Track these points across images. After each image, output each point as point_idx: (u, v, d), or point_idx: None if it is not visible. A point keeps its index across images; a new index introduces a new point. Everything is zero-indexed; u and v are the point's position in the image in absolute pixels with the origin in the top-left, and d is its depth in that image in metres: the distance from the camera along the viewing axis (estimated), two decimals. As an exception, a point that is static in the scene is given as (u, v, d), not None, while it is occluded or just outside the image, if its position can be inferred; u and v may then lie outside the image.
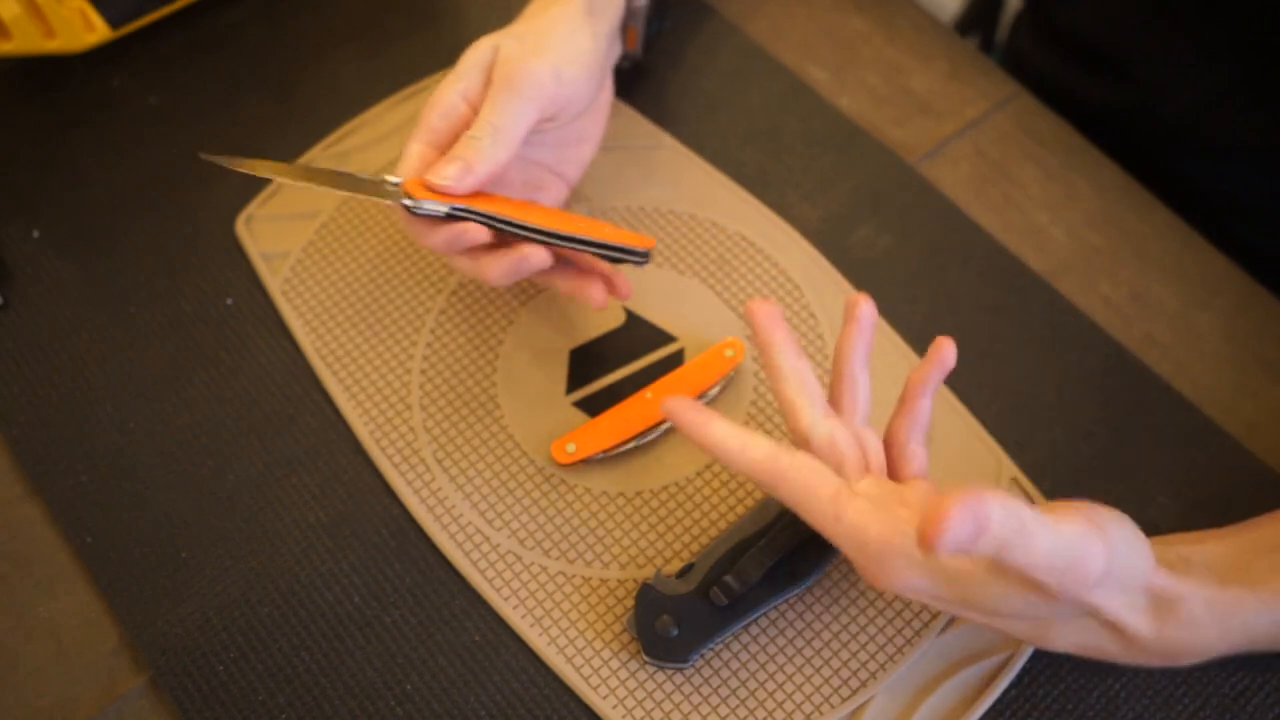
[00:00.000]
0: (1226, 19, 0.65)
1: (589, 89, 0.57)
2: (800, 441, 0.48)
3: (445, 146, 0.55)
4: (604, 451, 0.56)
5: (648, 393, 0.57)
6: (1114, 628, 0.43)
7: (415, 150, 0.54)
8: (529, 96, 0.54)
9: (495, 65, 0.55)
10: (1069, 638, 0.44)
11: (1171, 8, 0.67)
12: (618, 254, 0.55)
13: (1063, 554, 0.39)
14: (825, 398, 0.48)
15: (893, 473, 0.49)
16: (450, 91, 0.55)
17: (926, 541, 0.36)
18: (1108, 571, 0.40)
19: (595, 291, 0.56)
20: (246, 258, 0.64)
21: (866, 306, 0.49)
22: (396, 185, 0.53)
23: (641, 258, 0.55)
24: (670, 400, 0.45)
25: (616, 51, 0.63)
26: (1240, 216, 0.69)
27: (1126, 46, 0.71)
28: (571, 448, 0.56)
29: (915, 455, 0.49)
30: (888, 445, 0.50)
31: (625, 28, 0.63)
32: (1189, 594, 0.43)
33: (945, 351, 0.49)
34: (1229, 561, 0.46)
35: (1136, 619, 0.43)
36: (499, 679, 0.52)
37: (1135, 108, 0.71)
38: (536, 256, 0.53)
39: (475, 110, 0.55)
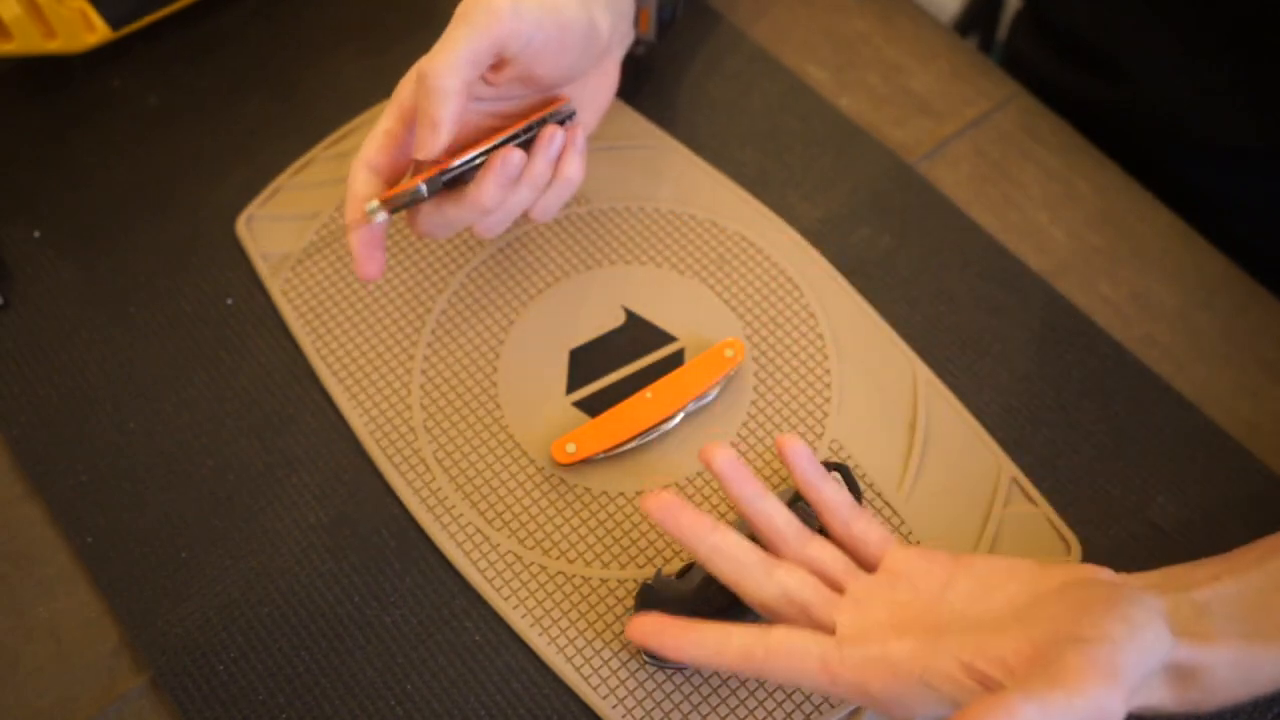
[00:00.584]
0: (1219, 15, 0.65)
1: (554, 34, 0.53)
2: (788, 573, 0.47)
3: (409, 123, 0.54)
4: (604, 451, 0.56)
5: (648, 393, 0.57)
6: (1147, 708, 0.43)
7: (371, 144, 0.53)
8: (480, 25, 0.50)
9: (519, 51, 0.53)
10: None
11: (1164, 6, 0.67)
12: (550, 123, 0.55)
13: None
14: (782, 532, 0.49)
15: (861, 563, 0.49)
16: (462, 77, 0.52)
17: None
18: (1128, 703, 0.40)
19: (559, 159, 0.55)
20: (247, 258, 0.64)
21: (719, 458, 0.49)
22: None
23: (569, 116, 0.56)
24: (638, 624, 0.46)
25: (628, 37, 0.62)
26: (1239, 216, 0.69)
27: (1121, 44, 0.71)
28: (571, 448, 0.56)
29: (865, 533, 0.49)
30: (837, 543, 0.49)
31: (638, 11, 0.63)
32: (1213, 661, 0.42)
33: (788, 449, 0.50)
34: (1249, 607, 0.44)
35: (1158, 696, 0.42)
36: (499, 679, 0.52)
37: (1132, 106, 0.71)
38: (515, 155, 0.52)
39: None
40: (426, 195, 0.52)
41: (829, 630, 0.45)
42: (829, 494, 0.50)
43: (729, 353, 0.58)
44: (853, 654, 0.43)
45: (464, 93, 0.51)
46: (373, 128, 0.54)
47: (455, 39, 0.51)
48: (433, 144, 0.51)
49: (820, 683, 0.43)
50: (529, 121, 0.55)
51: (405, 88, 0.54)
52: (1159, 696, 0.42)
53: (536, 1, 0.52)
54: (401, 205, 0.52)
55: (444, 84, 0.50)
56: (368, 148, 0.54)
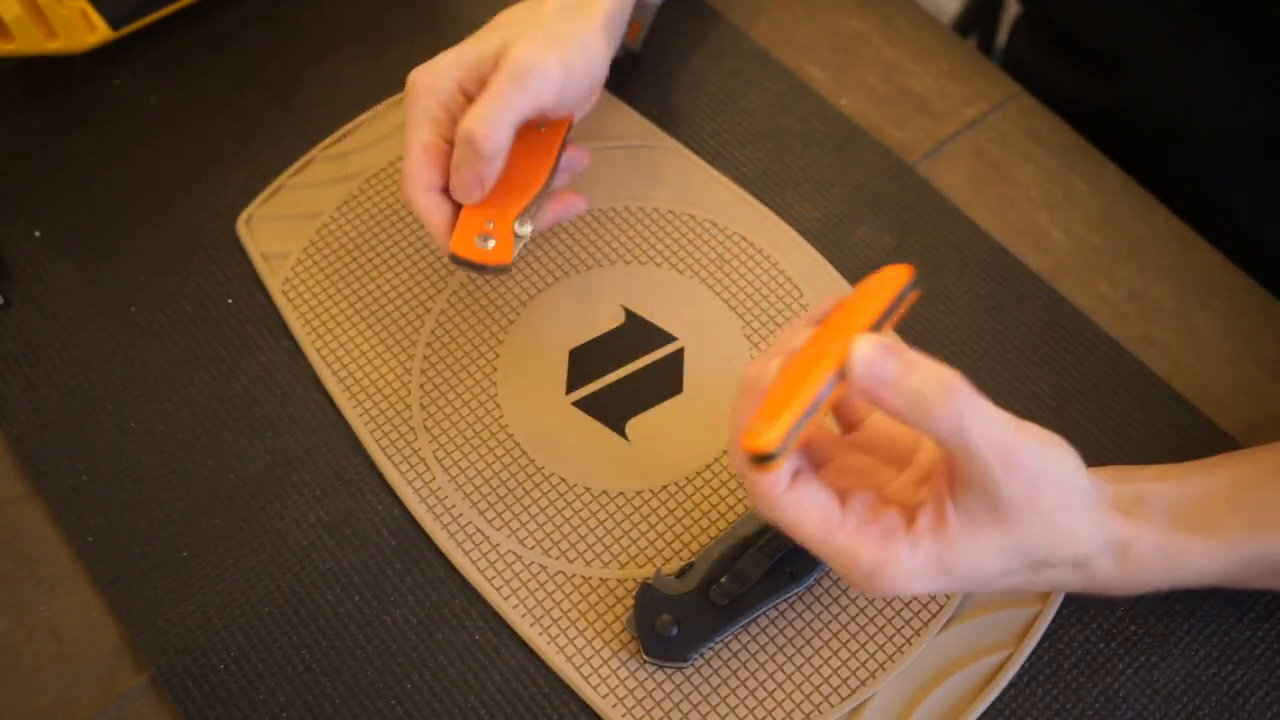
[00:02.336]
0: (1221, 12, 0.65)
1: (590, 86, 0.57)
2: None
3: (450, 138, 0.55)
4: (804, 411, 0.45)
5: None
6: (1081, 567, 0.45)
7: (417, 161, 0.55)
8: (532, 91, 0.54)
9: (503, 54, 0.54)
10: (1047, 584, 0.46)
11: (1166, 1, 0.67)
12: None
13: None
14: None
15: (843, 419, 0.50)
16: (447, 79, 0.55)
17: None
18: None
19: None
20: (247, 258, 0.64)
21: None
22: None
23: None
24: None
25: (616, 43, 0.63)
26: (1238, 215, 0.69)
27: (1122, 43, 0.71)
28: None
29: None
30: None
31: (630, 20, 0.63)
32: (1141, 541, 0.45)
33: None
34: (1186, 506, 0.47)
35: (1102, 569, 0.45)
36: (499, 678, 0.52)
37: (1133, 106, 0.71)
38: (580, 202, 0.60)
39: (470, 98, 0.55)
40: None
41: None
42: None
43: (540, 127, 0.59)
44: (853, 521, 0.44)
45: (507, 147, 0.54)
46: (407, 150, 0.55)
47: (507, 101, 0.53)
48: (477, 196, 0.55)
49: (815, 538, 0.43)
50: (558, 152, 0.59)
51: (429, 101, 0.55)
52: (1103, 569, 0.45)
53: (583, 64, 0.56)
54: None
55: (492, 147, 0.53)
56: (419, 172, 0.55)
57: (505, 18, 0.58)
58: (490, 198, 0.56)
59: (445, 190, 0.56)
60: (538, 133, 0.60)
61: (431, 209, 0.55)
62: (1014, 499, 0.42)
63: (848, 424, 0.50)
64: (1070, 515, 0.44)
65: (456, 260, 0.56)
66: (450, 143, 0.55)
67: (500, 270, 0.56)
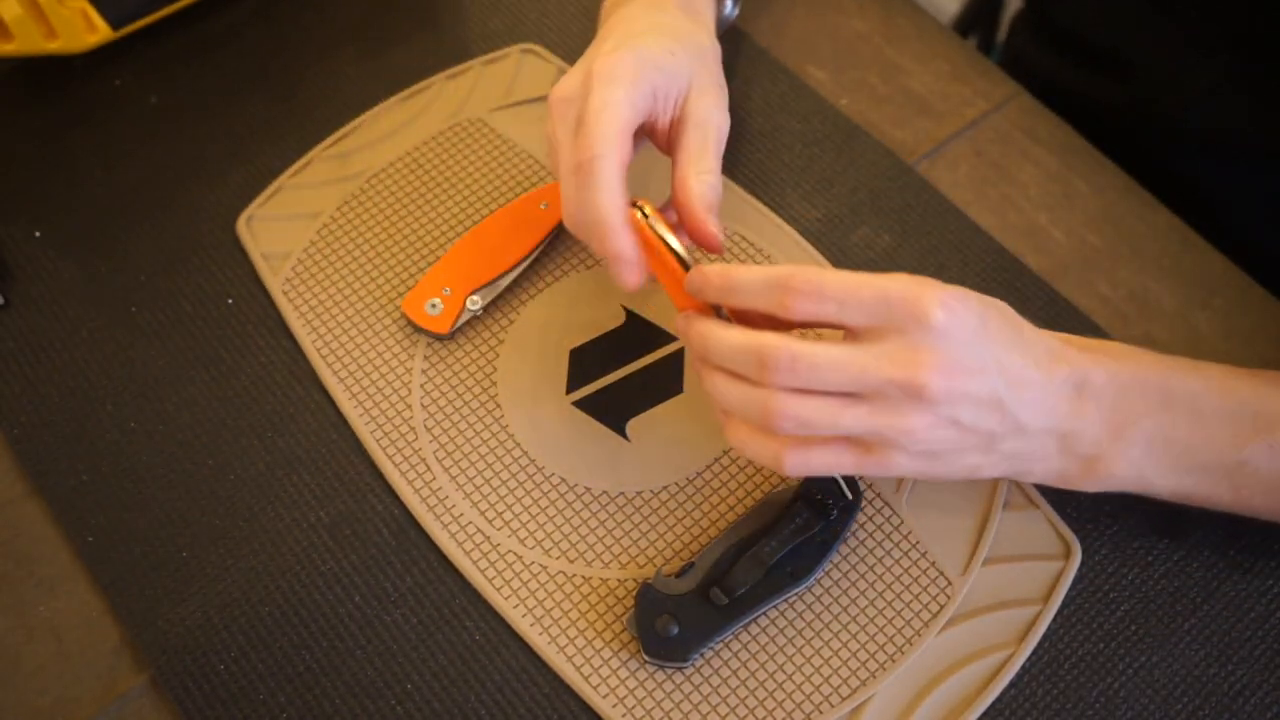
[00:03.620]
0: (1222, 12, 0.65)
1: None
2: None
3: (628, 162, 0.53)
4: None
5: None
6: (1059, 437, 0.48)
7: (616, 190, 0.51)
8: (723, 141, 0.55)
9: (696, 100, 0.54)
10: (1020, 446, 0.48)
11: (1168, 2, 0.67)
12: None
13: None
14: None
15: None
16: (627, 107, 0.51)
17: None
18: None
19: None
20: (247, 258, 0.64)
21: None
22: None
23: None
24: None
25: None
26: (1238, 215, 0.69)
27: (1124, 42, 0.71)
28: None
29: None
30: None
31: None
32: (1089, 369, 0.49)
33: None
34: (1112, 394, 0.50)
35: (1064, 395, 0.48)
36: (499, 678, 0.52)
37: (1134, 105, 0.71)
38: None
39: (651, 115, 0.54)
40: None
41: None
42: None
43: (543, 205, 0.62)
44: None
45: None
46: (603, 161, 0.50)
47: (713, 155, 0.54)
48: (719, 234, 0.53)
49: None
50: (545, 238, 0.62)
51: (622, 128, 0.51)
52: (1084, 413, 0.48)
53: (724, 89, 0.56)
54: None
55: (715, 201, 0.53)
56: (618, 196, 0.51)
57: (644, 24, 0.55)
58: (463, 264, 0.60)
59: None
60: (538, 211, 0.61)
61: (624, 239, 0.50)
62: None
63: None
64: (1026, 327, 0.49)
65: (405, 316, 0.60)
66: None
67: (436, 338, 0.60)
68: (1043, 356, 0.48)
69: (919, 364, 0.44)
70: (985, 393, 0.46)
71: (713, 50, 0.57)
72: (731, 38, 0.71)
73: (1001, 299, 0.61)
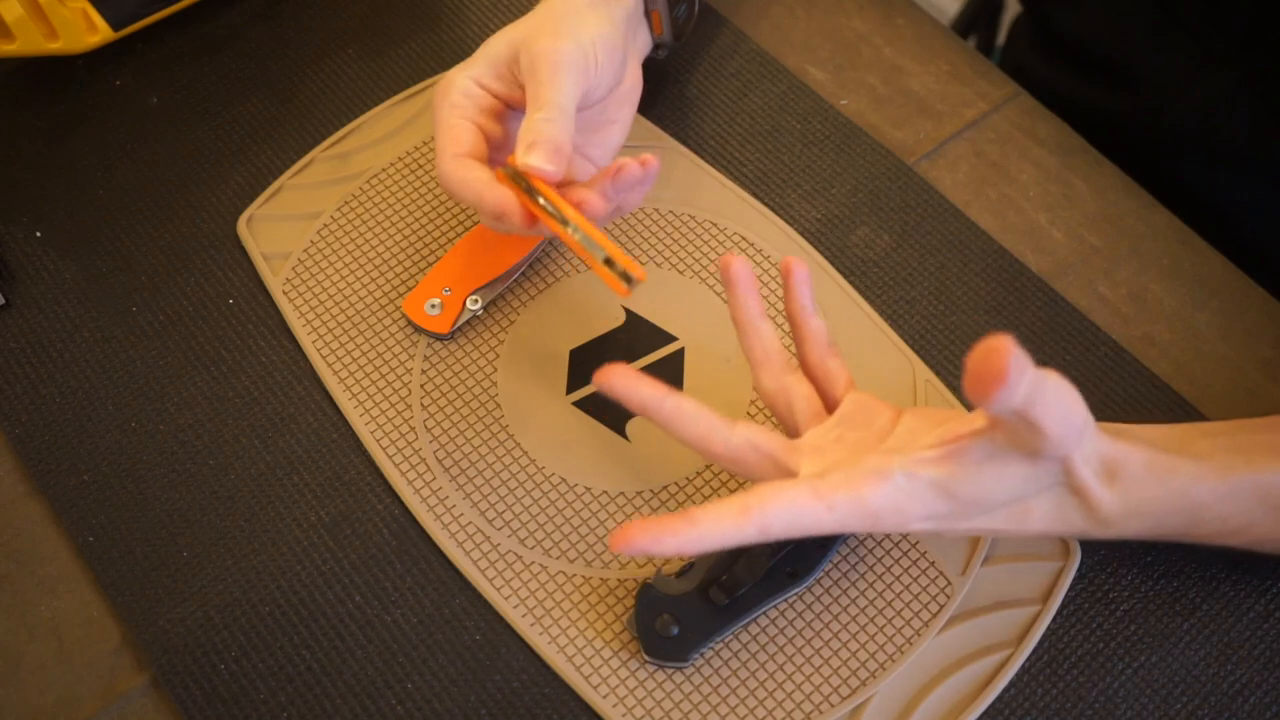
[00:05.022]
0: (1229, 24, 0.65)
1: (613, 69, 0.57)
2: (762, 393, 0.51)
3: (473, 120, 0.55)
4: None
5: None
6: (1080, 492, 0.46)
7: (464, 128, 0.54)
8: (570, 72, 0.53)
9: (521, 53, 0.54)
10: (1044, 517, 0.46)
11: (1174, 13, 0.67)
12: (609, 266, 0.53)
13: (1063, 399, 0.41)
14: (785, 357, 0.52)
15: (825, 399, 0.51)
16: (461, 76, 0.55)
17: (983, 394, 0.38)
18: (1087, 419, 0.43)
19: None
20: (248, 258, 0.64)
21: (736, 265, 0.51)
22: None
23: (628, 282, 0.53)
24: (619, 535, 0.43)
25: (645, 40, 0.63)
26: (1238, 217, 0.69)
27: (1128, 52, 0.71)
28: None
29: (837, 371, 0.51)
30: (810, 377, 0.52)
31: (648, 13, 0.62)
32: (1129, 453, 0.46)
33: (794, 269, 0.52)
34: (1167, 439, 0.49)
35: (1095, 479, 0.46)
36: (499, 678, 0.52)
37: (1138, 114, 0.71)
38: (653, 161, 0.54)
39: (495, 95, 0.56)
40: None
41: (793, 475, 0.47)
42: (815, 324, 0.52)
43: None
44: (835, 476, 0.45)
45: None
46: (440, 144, 0.54)
47: (557, 87, 0.53)
48: (557, 165, 0.52)
49: (818, 512, 0.44)
50: (538, 242, 0.62)
51: (449, 99, 0.55)
52: (1097, 483, 0.46)
53: (591, 38, 0.55)
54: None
55: (569, 130, 0.53)
56: (448, 145, 0.54)
57: (508, 29, 0.58)
58: (463, 264, 0.61)
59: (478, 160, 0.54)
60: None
61: (469, 178, 0.53)
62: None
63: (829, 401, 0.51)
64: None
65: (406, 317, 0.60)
66: (479, 125, 0.55)
67: (437, 338, 0.60)
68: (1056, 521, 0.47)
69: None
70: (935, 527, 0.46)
71: (562, 4, 0.57)
72: (731, 38, 0.71)
73: (1001, 299, 0.62)
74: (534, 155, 0.51)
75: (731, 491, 0.56)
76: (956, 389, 0.59)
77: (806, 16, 0.73)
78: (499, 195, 0.52)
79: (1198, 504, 0.48)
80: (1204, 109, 0.69)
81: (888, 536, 0.55)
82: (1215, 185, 0.70)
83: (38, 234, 0.65)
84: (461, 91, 0.55)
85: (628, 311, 0.61)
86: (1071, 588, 0.54)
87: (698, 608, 0.52)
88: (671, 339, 0.61)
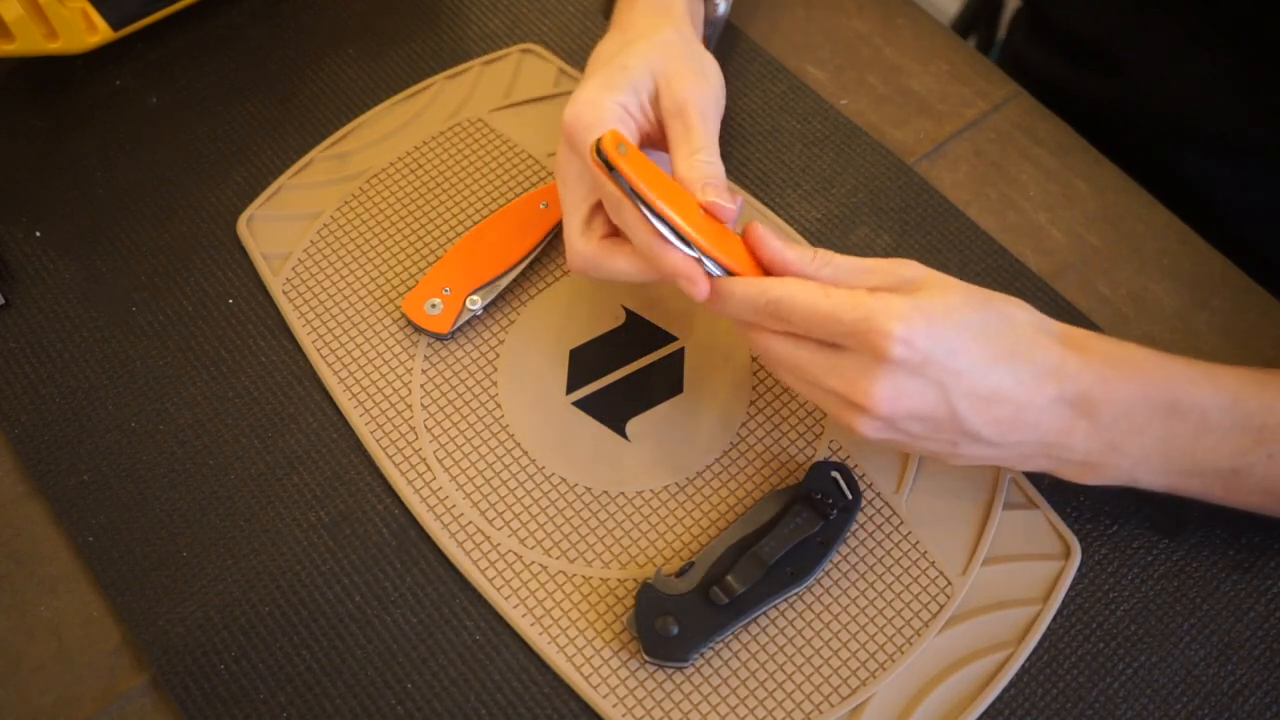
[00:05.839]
0: (1219, 8, 0.65)
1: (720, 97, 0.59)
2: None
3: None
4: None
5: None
6: (1054, 377, 0.48)
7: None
8: (713, 114, 0.56)
9: (663, 92, 0.55)
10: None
11: None
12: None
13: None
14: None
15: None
16: (610, 103, 0.55)
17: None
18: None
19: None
20: (248, 258, 0.64)
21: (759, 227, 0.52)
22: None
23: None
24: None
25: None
26: (1237, 215, 0.69)
27: (1121, 40, 0.71)
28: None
29: (796, 256, 0.51)
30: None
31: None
32: (1097, 386, 0.49)
33: (751, 228, 0.52)
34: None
35: (1075, 432, 0.49)
36: (499, 678, 0.52)
37: (1131, 103, 0.71)
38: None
39: (647, 121, 0.56)
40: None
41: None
42: (770, 238, 0.52)
43: (543, 205, 0.62)
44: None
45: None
46: (570, 217, 0.55)
47: (710, 131, 0.55)
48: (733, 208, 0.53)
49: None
50: (544, 236, 0.63)
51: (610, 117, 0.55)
52: (1075, 430, 0.49)
53: (717, 78, 0.58)
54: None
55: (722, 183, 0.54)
56: (593, 232, 0.56)
57: (614, 46, 0.58)
58: (463, 264, 0.61)
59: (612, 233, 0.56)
60: (538, 211, 0.61)
61: (629, 265, 0.54)
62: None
63: None
64: (1024, 339, 0.48)
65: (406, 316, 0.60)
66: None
67: (437, 338, 0.60)
68: (1032, 375, 0.48)
69: (861, 390, 0.47)
70: (932, 412, 0.48)
71: (678, 37, 0.58)
72: (731, 38, 0.71)
73: (1001, 299, 0.61)
74: (716, 195, 0.52)
75: (732, 492, 0.56)
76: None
77: (806, 16, 0.72)
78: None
79: (1181, 410, 0.49)
80: (1191, 95, 0.69)
81: (887, 537, 0.55)
82: (1209, 172, 0.70)
83: (38, 234, 0.65)
84: (617, 120, 0.55)
85: (628, 311, 0.61)
86: (1071, 588, 0.54)
87: (698, 608, 0.52)
88: (671, 339, 0.60)
